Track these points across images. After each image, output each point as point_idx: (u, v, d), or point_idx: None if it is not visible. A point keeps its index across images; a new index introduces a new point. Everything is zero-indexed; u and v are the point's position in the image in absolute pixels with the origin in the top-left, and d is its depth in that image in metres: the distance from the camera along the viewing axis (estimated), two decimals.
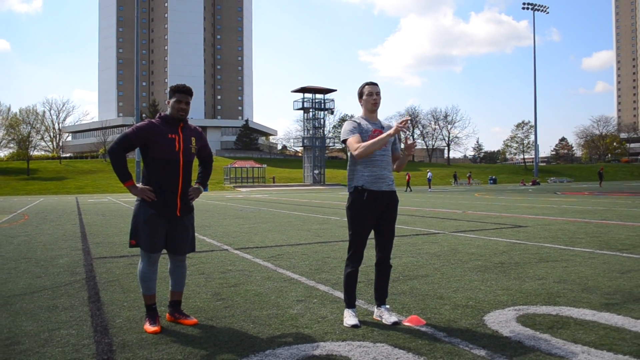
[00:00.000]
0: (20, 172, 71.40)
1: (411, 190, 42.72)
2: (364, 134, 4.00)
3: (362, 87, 4.15)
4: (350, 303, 4.00)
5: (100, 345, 3.51)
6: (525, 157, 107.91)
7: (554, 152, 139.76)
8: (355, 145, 3.91)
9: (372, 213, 3.98)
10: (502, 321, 3.89)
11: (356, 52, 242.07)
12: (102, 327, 3.93)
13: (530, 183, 62.51)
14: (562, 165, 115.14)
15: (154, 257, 3.91)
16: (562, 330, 3.66)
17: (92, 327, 3.93)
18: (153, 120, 3.93)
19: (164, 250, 4.03)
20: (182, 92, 3.93)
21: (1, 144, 78.82)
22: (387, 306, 4.09)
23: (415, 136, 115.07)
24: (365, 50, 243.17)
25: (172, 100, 3.93)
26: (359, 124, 4.06)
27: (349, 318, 3.90)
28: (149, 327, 3.80)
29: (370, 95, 4.09)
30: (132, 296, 4.95)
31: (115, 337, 3.68)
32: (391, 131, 3.85)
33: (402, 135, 4.23)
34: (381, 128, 4.10)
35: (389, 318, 3.92)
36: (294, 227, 11.78)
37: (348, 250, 4.06)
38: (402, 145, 4.22)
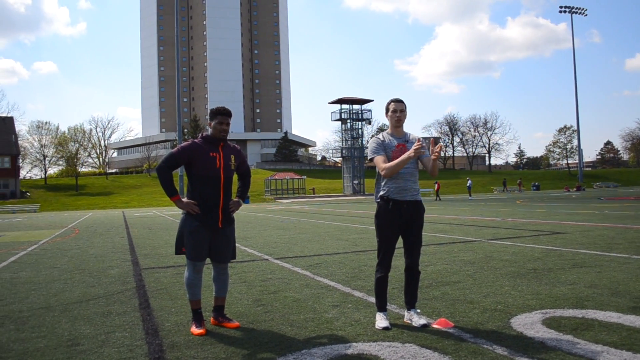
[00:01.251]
0: (69, 188, 73.98)
1: (440, 199, 42.31)
2: (388, 150, 4.24)
3: (388, 103, 4.37)
4: (381, 307, 4.25)
5: (151, 346, 3.85)
6: (569, 162, 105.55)
7: (599, 157, 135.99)
8: (382, 165, 4.20)
9: (398, 221, 4.21)
10: (528, 323, 4.06)
11: (392, 62, 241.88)
12: (152, 330, 4.28)
13: (575, 189, 61.17)
14: (609, 169, 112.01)
15: (198, 265, 4.26)
16: (586, 331, 3.81)
17: (144, 330, 4.29)
18: (196, 140, 4.29)
19: (208, 260, 4.37)
20: (223, 115, 4.28)
21: (51, 161, 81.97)
22: (417, 310, 4.32)
23: (455, 144, 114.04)
24: (401, 59, 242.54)
25: (214, 122, 4.28)
26: (383, 141, 4.29)
27: (380, 321, 4.15)
28: (195, 330, 4.14)
29: (394, 112, 4.32)
30: (179, 303, 5.31)
31: (165, 338, 4.03)
32: (411, 154, 4.04)
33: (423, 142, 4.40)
34: (405, 142, 4.30)
35: (418, 320, 4.13)
36: (333, 237, 12.05)
37: (377, 256, 4.31)
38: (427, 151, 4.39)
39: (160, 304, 5.30)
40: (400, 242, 4.37)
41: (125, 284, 6.61)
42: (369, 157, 4.39)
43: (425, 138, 4.40)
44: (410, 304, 4.31)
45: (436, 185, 44.11)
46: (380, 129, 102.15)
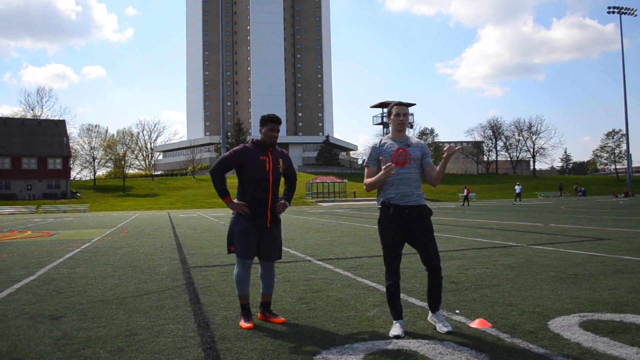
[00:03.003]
0: (117, 189, 76.22)
1: (469, 204, 41.46)
2: (386, 154, 4.21)
3: (391, 107, 4.35)
4: (395, 314, 4.17)
5: (204, 337, 4.12)
6: (618, 167, 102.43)
7: None
8: (365, 179, 4.34)
9: (400, 227, 4.17)
10: (565, 325, 4.16)
11: (433, 65, 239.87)
12: (204, 324, 4.56)
13: (623, 195, 59.36)
14: None
15: (247, 262, 4.52)
16: (623, 334, 3.89)
17: (196, 323, 4.58)
18: (247, 144, 4.57)
19: (256, 259, 4.64)
20: (274, 122, 4.55)
21: (100, 163, 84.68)
22: (442, 313, 4.29)
23: (499, 148, 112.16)
24: (442, 63, 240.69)
25: (265, 128, 4.55)
26: (381, 147, 4.29)
27: (393, 329, 4.08)
28: (244, 324, 4.40)
29: (397, 115, 4.28)
30: (228, 299, 5.59)
31: (215, 331, 4.30)
32: (380, 177, 4.12)
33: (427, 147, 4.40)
34: (407, 146, 4.25)
35: (442, 327, 4.05)
36: (374, 239, 12.21)
37: (384, 263, 4.27)
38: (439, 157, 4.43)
39: (210, 300, 5.59)
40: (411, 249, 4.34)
41: (175, 281, 6.95)
42: (364, 164, 4.45)
43: (430, 144, 4.44)
44: (433, 306, 4.25)
45: (465, 190, 43.13)
46: (423, 133, 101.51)
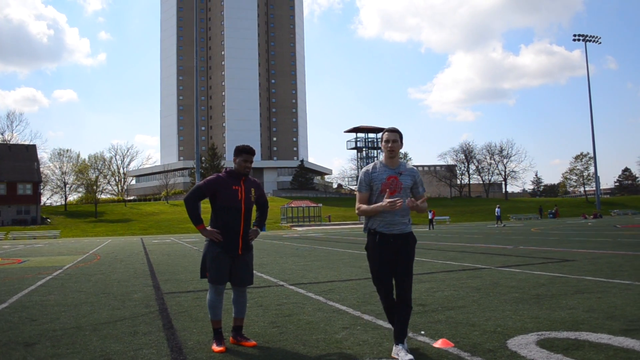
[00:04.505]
0: (88, 214, 75.12)
1: (433, 228, 41.94)
2: (377, 182, 4.22)
3: (383, 132, 4.32)
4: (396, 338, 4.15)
5: None
6: (587, 189, 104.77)
7: (617, 184, 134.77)
8: (357, 204, 4.34)
9: (386, 253, 4.20)
10: (522, 344, 4.39)
11: (406, 90, 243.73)
12: (177, 348, 4.67)
13: (592, 216, 60.69)
14: (627, 196, 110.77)
15: (220, 288, 4.68)
16: (576, 351, 4.13)
17: (169, 348, 4.68)
18: (220, 174, 4.76)
19: (229, 285, 4.78)
20: (249, 153, 4.76)
21: (71, 188, 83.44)
22: (404, 345, 4.11)
23: (471, 171, 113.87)
24: (414, 88, 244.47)
25: (239, 158, 4.75)
26: (372, 172, 4.27)
27: (402, 357, 3.97)
28: (216, 347, 4.53)
29: (387, 142, 4.24)
30: (200, 324, 5.70)
31: (188, 355, 4.42)
32: (385, 206, 4.07)
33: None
34: (398, 174, 4.24)
35: (404, 356, 3.94)
36: (346, 264, 12.39)
37: (376, 289, 4.36)
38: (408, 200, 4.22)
39: (183, 325, 5.69)
40: None
41: (148, 307, 7.01)
42: (356, 189, 4.42)
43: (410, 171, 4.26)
44: (399, 338, 4.12)
45: (430, 214, 43.47)
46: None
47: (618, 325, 4.95)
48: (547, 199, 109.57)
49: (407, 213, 4.29)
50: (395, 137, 4.24)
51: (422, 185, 4.41)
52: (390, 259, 4.22)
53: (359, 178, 4.36)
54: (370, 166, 4.36)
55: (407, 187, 4.26)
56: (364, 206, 4.28)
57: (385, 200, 4.08)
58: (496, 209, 47.48)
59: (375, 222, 4.23)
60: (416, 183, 4.34)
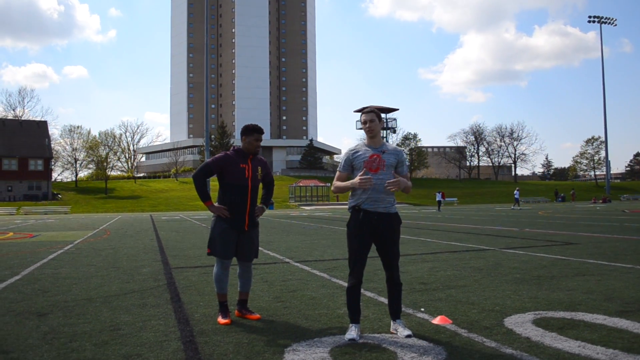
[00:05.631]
0: (99, 191, 75.81)
1: (439, 210, 41.73)
2: (359, 160, 4.26)
3: (361, 115, 4.36)
4: (352, 318, 4.21)
5: (183, 332, 4.40)
6: (597, 173, 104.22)
7: (628, 168, 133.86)
8: (334, 182, 4.40)
9: (368, 232, 4.21)
10: (519, 322, 4.51)
11: (416, 71, 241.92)
12: (184, 320, 4.84)
13: (601, 201, 60.46)
14: (638, 181, 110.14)
15: (226, 262, 4.83)
16: (570, 330, 4.24)
17: (176, 320, 4.85)
18: (228, 152, 4.88)
19: (235, 260, 4.93)
20: (260, 132, 4.87)
21: (82, 164, 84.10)
22: (401, 321, 4.30)
23: (481, 153, 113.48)
24: (425, 68, 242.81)
25: (251, 138, 4.84)
26: (355, 152, 4.32)
27: (349, 332, 4.14)
28: (221, 320, 4.69)
29: (364, 123, 4.32)
30: (207, 298, 5.87)
31: (195, 326, 4.58)
32: (355, 184, 4.16)
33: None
34: (381, 152, 4.28)
35: (402, 332, 4.13)
36: None
37: (348, 266, 4.31)
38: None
39: (190, 299, 5.87)
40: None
41: (157, 281, 7.20)
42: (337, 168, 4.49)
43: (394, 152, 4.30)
44: (395, 315, 4.29)
45: (440, 195, 43.12)
46: (406, 137, 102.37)
47: (614, 307, 5.05)
48: (557, 183, 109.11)
49: (391, 192, 4.29)
50: (372, 117, 4.30)
51: (405, 164, 4.45)
52: (371, 239, 4.24)
53: (342, 158, 4.42)
54: (354, 146, 4.42)
55: (390, 164, 4.28)
56: (338, 182, 4.35)
57: (357, 177, 4.14)
58: (515, 192, 46.65)
59: (360, 199, 4.23)
60: (400, 162, 4.38)
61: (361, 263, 4.24)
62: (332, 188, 4.46)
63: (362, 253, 4.23)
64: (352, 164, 4.34)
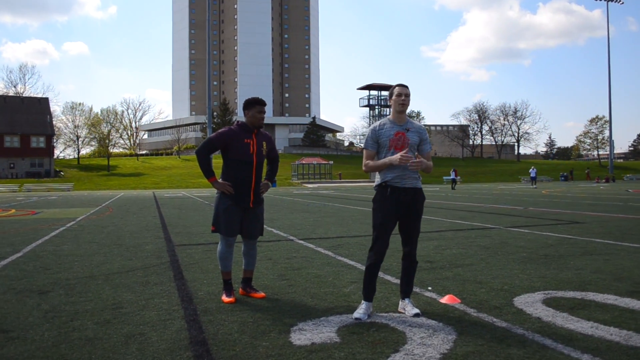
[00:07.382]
0: (101, 168, 75.82)
1: (454, 188, 41.16)
2: (384, 138, 4.17)
3: (393, 87, 4.27)
4: (366, 295, 4.15)
5: (187, 310, 4.32)
6: (600, 153, 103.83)
7: (631, 148, 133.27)
8: (365, 161, 4.29)
9: (395, 208, 4.15)
10: (529, 302, 4.42)
11: (418, 48, 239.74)
12: (187, 298, 4.76)
13: (604, 180, 60.27)
14: None
15: (230, 240, 4.72)
16: (582, 310, 4.15)
17: (180, 298, 4.78)
18: (232, 127, 4.74)
19: (240, 237, 4.83)
20: (262, 104, 4.71)
21: (84, 142, 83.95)
22: (410, 299, 4.26)
23: (484, 132, 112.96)
24: (427, 46, 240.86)
25: (253, 110, 4.69)
26: (381, 129, 4.22)
27: (358, 309, 4.10)
28: (225, 298, 4.61)
29: (399, 96, 4.18)
30: (211, 275, 5.79)
31: (198, 305, 4.50)
32: (395, 161, 4.04)
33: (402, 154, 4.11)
34: (406, 130, 4.21)
35: (411, 310, 4.10)
36: (356, 220, 12.46)
37: (372, 242, 4.23)
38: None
39: (193, 276, 5.79)
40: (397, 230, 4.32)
41: (160, 258, 7.13)
42: (363, 146, 4.39)
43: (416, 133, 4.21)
44: (405, 293, 4.27)
45: (453, 173, 42.65)
46: (409, 116, 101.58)
47: (625, 287, 4.96)
48: (560, 162, 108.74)
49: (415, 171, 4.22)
50: (407, 91, 4.22)
51: (428, 142, 4.40)
52: (397, 213, 4.18)
53: (367, 135, 4.32)
54: (377, 123, 4.33)
55: (414, 143, 4.23)
56: (372, 162, 4.25)
57: (398, 154, 4.05)
58: (531, 170, 45.77)
59: (388, 176, 4.17)
60: (423, 140, 4.32)
61: (384, 239, 4.18)
62: (364, 169, 4.36)
63: (387, 228, 4.17)
64: (377, 140, 4.24)
